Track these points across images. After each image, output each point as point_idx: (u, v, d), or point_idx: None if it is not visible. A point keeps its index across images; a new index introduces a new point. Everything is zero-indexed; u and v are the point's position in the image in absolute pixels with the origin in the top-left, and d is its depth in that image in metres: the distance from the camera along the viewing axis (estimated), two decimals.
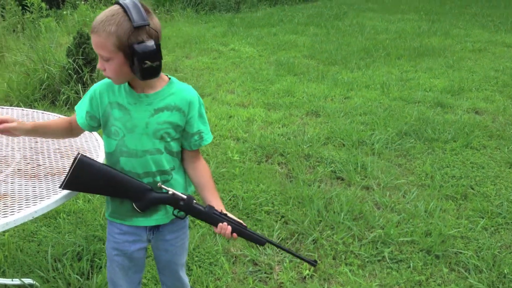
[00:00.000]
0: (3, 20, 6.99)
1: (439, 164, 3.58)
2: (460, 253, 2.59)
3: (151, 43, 1.35)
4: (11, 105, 4.59)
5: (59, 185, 1.48)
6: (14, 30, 7.13)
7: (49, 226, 2.82)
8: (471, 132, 4.06)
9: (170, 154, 1.54)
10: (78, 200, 3.08)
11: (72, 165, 1.43)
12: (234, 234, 1.53)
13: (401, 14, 9.51)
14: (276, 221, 2.89)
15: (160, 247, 1.67)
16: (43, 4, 7.52)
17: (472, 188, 3.25)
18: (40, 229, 2.78)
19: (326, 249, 2.64)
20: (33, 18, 7.18)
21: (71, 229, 2.76)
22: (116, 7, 1.38)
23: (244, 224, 1.57)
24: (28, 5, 7.24)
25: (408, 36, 7.72)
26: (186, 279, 1.79)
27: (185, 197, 1.51)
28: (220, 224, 1.51)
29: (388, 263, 2.54)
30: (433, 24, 8.57)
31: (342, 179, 3.42)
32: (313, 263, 1.64)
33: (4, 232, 2.72)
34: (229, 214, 1.55)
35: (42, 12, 7.47)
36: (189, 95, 1.53)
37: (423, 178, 3.40)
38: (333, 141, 4.00)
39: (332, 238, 2.73)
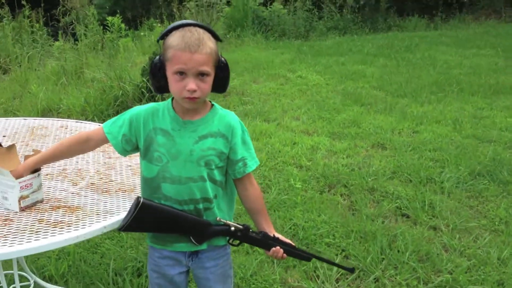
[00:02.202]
0: (86, 38, 7.40)
1: None
2: None
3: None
4: (86, 119, 4.81)
5: (120, 224, 1.47)
6: (94, 48, 7.54)
7: (113, 239, 2.88)
8: None
9: (212, 182, 1.53)
10: None
11: (133, 209, 1.43)
12: (284, 255, 1.58)
13: (476, 49, 9.18)
14: (337, 255, 2.80)
15: (200, 275, 1.65)
16: (122, 25, 7.93)
17: None
18: (104, 241, 2.85)
19: None
20: (112, 38, 7.57)
21: (133, 244, 2.81)
22: (195, 28, 1.42)
23: (293, 244, 1.62)
24: (109, 25, 7.66)
25: (484, 72, 7.41)
26: None
27: (241, 227, 1.54)
28: (273, 248, 1.57)
29: None
30: (510, 61, 8.20)
31: (408, 217, 3.28)
32: (350, 269, 1.81)
33: None
34: (280, 236, 1.60)
35: (121, 32, 7.88)
36: (232, 121, 1.54)
37: (496, 223, 3.20)
38: (399, 176, 3.87)
39: (395, 278, 2.61)
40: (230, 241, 1.59)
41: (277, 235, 1.60)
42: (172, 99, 1.53)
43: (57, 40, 7.76)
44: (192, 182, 1.49)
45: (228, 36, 10.10)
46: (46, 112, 5.09)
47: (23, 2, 7.56)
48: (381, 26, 12.38)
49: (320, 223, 3.12)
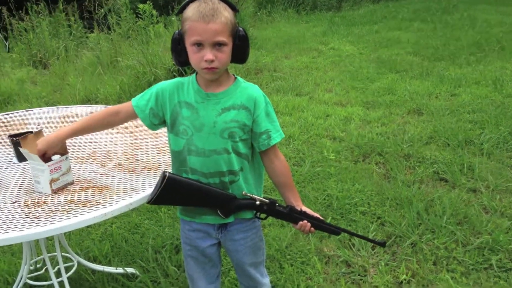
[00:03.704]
0: (119, 28, 7.53)
1: None
2: None
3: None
4: None
5: (149, 196, 1.51)
6: (128, 37, 7.67)
7: (151, 219, 2.98)
8: None
9: (237, 155, 1.54)
10: None
11: (160, 183, 1.46)
12: (312, 229, 1.58)
13: None
14: (372, 222, 2.79)
15: (230, 248, 1.67)
16: (154, 12, 8.00)
17: None
18: (143, 222, 2.95)
19: (426, 253, 2.49)
20: (145, 25, 7.66)
21: (170, 223, 2.89)
22: None
23: (321, 218, 1.61)
24: (141, 12, 7.75)
25: None
26: (263, 279, 1.76)
27: (268, 201, 1.55)
28: (300, 222, 1.57)
29: (495, 271, 2.33)
30: None
31: (446, 181, 3.22)
32: (382, 243, 1.76)
33: (112, 223, 2.93)
34: (307, 210, 1.59)
35: (153, 19, 7.95)
36: (255, 93, 1.53)
37: None
38: (436, 140, 3.78)
39: (433, 242, 2.57)
40: (257, 215, 1.61)
41: (305, 208, 1.60)
42: (196, 73, 1.55)
43: (92, 32, 7.94)
44: (216, 155, 1.51)
45: (258, 14, 10.04)
46: (85, 102, 5.26)
47: None
48: None
49: (355, 192, 3.10)
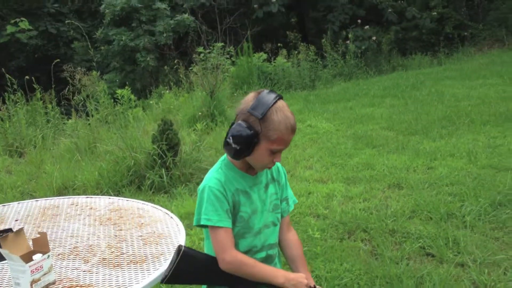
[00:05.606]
0: (97, 113, 7.60)
1: None
2: None
3: None
4: (101, 192, 4.86)
5: (162, 275, 1.49)
6: (106, 122, 7.72)
7: None
8: None
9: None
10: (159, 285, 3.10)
11: (175, 258, 1.44)
12: None
13: (482, 80, 9.17)
14: None
15: None
16: (132, 96, 8.14)
17: None
18: None
19: None
20: (123, 109, 7.76)
21: None
22: (282, 102, 1.55)
23: None
24: (119, 97, 7.87)
25: (493, 101, 7.38)
26: None
27: None
28: None
29: None
30: None
31: (433, 256, 3.19)
32: None
33: None
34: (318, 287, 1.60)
35: (131, 103, 8.07)
36: (279, 164, 1.68)
37: None
38: (419, 214, 3.80)
39: None
40: None
41: (318, 287, 1.60)
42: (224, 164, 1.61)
43: (70, 118, 7.98)
44: (266, 229, 1.64)
45: (235, 94, 10.30)
46: (62, 190, 5.16)
47: (35, 86, 7.84)
48: (385, 68, 12.52)
49: (343, 272, 3.05)
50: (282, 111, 1.50)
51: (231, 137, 1.50)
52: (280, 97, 1.52)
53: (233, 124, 1.53)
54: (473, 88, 8.60)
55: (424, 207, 3.87)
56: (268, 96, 1.50)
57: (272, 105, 1.48)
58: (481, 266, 2.99)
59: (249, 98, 1.53)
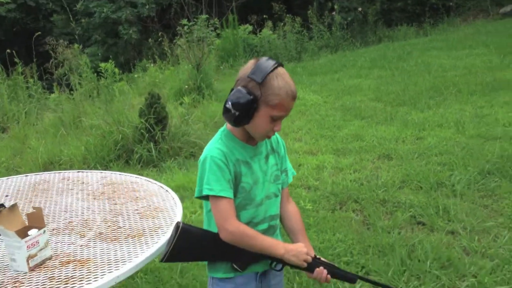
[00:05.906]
0: (81, 87, 7.46)
1: None
2: None
3: None
4: (88, 167, 4.80)
5: (161, 255, 1.47)
6: (90, 96, 7.59)
7: (127, 287, 2.83)
8: None
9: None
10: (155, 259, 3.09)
11: (173, 236, 1.41)
12: (328, 276, 1.54)
13: (468, 50, 9.18)
14: (357, 272, 2.74)
15: None
16: (116, 70, 7.99)
17: None
18: None
19: None
20: (107, 83, 7.62)
21: None
22: (283, 69, 1.50)
23: (336, 265, 1.59)
24: (103, 71, 7.72)
25: (479, 71, 7.40)
26: None
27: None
28: (317, 269, 1.54)
29: None
30: (505, 57, 8.19)
31: (424, 224, 3.23)
32: None
33: None
34: (321, 258, 1.59)
35: (115, 77, 7.93)
36: (278, 136, 1.67)
37: None
38: (409, 184, 3.83)
39: None
40: (272, 265, 1.57)
41: (320, 257, 1.59)
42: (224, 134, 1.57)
43: (53, 92, 7.82)
44: (267, 200, 1.62)
45: (221, 67, 10.18)
46: (48, 165, 5.08)
47: (16, 60, 7.64)
48: (371, 39, 12.45)
49: (336, 242, 3.07)
50: (283, 77, 1.46)
51: (230, 103, 1.46)
52: (279, 64, 1.47)
53: (232, 90, 1.48)
54: (459, 58, 8.60)
55: (414, 177, 3.89)
56: (267, 62, 1.46)
57: (272, 70, 1.44)
58: (472, 233, 3.03)
59: (248, 65, 1.49)
